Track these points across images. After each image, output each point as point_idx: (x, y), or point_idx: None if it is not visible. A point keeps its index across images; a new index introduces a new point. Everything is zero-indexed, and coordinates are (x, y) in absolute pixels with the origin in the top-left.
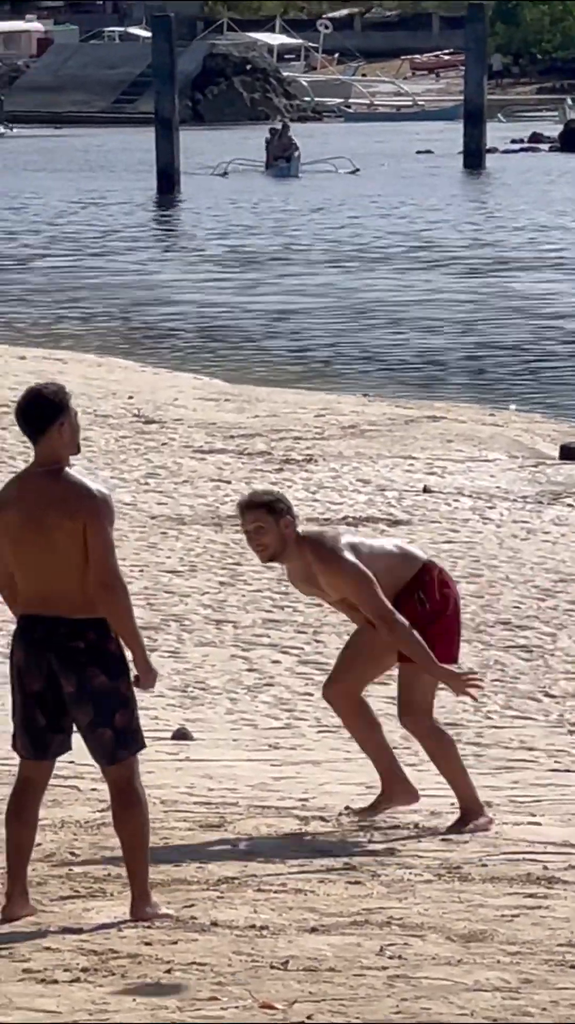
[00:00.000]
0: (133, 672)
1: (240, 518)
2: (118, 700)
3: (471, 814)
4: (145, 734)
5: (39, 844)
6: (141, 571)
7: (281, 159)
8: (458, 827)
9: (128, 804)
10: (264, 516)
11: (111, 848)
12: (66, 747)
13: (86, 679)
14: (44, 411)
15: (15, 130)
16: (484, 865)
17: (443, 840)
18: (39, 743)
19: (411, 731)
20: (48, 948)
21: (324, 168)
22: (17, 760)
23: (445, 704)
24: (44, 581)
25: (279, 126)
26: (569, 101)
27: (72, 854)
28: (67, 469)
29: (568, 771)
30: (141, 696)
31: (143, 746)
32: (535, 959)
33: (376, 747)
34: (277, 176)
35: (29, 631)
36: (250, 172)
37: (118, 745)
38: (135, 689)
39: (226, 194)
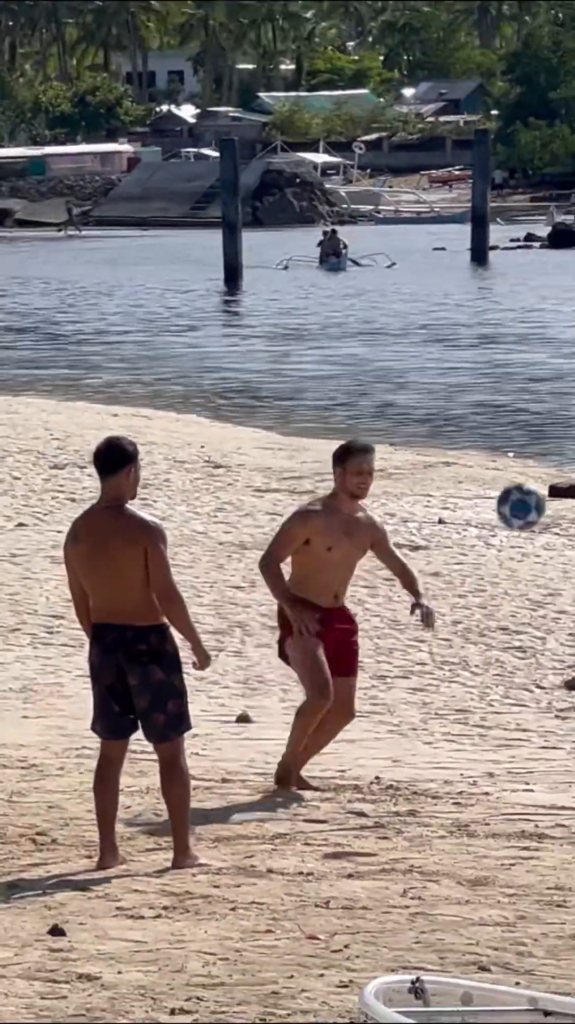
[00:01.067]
0: (190, 661)
1: (359, 457)
2: (172, 691)
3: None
4: (213, 718)
5: (129, 807)
6: (211, 587)
7: (332, 255)
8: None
9: (173, 776)
10: (372, 462)
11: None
12: (135, 728)
13: (147, 674)
14: (118, 456)
15: (83, 231)
16: (487, 824)
17: (455, 803)
18: (114, 726)
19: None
20: (136, 890)
21: (367, 263)
22: (98, 741)
23: (455, 694)
24: (112, 597)
25: (330, 229)
26: (552, 208)
27: (156, 814)
28: (127, 505)
29: (555, 748)
30: (212, 687)
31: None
32: (528, 899)
33: None
34: (329, 270)
35: (102, 637)
36: (306, 266)
37: (168, 727)
38: (195, 671)
39: (282, 285)
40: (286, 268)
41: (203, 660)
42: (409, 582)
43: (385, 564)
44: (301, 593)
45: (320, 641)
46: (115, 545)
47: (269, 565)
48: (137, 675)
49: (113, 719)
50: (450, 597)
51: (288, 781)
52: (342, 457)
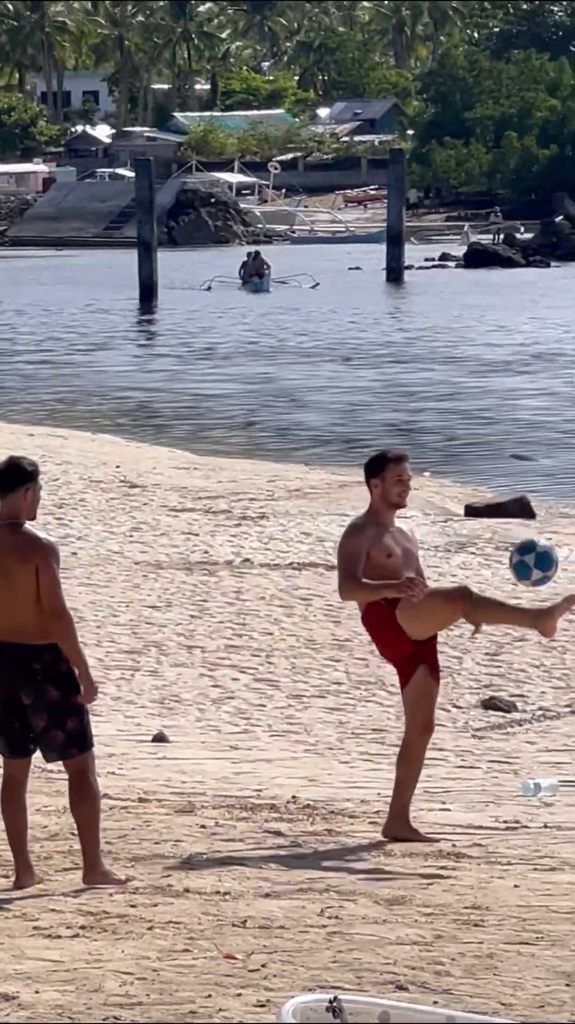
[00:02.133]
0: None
1: (398, 465)
2: (69, 709)
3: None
4: (129, 738)
5: (46, 826)
6: (127, 606)
7: (255, 276)
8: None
9: (81, 793)
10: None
11: (102, 828)
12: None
13: (42, 693)
14: (17, 475)
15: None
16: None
17: (371, 823)
18: (15, 744)
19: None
20: (53, 910)
21: (291, 284)
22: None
23: (372, 713)
24: (7, 615)
25: (254, 251)
26: (466, 228)
27: (72, 833)
28: (24, 524)
29: (472, 767)
30: (128, 706)
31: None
32: (446, 919)
33: None
34: (252, 290)
35: None
36: (230, 287)
37: (69, 745)
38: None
39: (199, 305)
40: (210, 289)
41: (88, 691)
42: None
43: None
44: None
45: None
46: (10, 563)
47: (352, 587)
48: (31, 694)
49: (13, 737)
50: None
51: (403, 833)
52: (379, 468)
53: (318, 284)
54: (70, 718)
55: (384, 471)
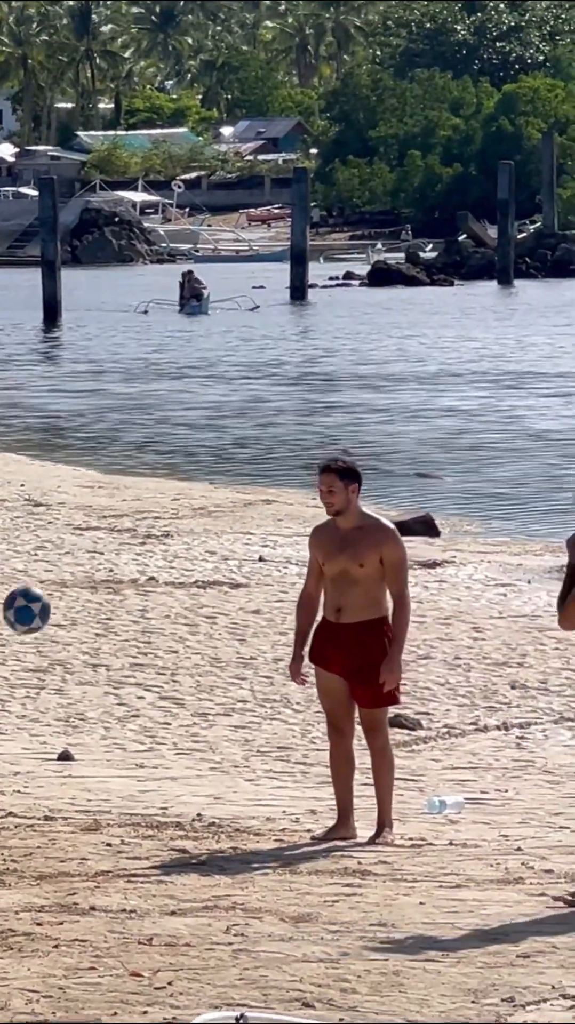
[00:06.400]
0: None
1: (318, 477)
2: None
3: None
4: (35, 756)
5: None
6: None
7: (192, 299)
8: (374, 839)
9: None
10: (335, 480)
11: (5, 846)
12: None
13: None
14: None
15: None
16: (310, 860)
17: (277, 840)
18: None
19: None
20: None
21: (230, 307)
22: None
23: (277, 731)
24: None
25: (187, 271)
26: (379, 245)
27: None
28: None
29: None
30: (34, 724)
31: None
32: (351, 936)
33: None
34: (190, 314)
35: None
36: (168, 310)
37: None
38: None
39: (103, 324)
40: (146, 312)
41: None
42: (398, 622)
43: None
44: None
45: (307, 680)
46: None
47: (298, 600)
48: None
49: None
50: (271, 635)
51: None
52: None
53: (258, 307)
54: None
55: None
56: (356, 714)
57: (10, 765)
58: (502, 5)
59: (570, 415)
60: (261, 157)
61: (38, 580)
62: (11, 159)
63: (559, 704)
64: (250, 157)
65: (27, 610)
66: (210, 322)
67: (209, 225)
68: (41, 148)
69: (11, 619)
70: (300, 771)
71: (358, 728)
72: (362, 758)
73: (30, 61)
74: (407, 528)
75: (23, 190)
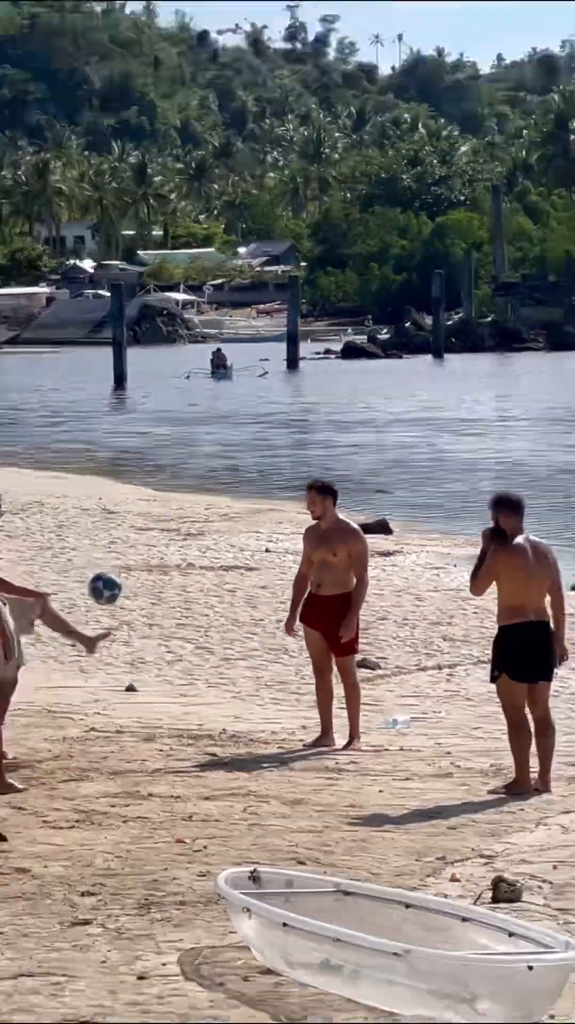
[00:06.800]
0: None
1: (306, 494)
2: None
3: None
4: (109, 688)
5: (50, 748)
6: None
7: (220, 368)
8: (347, 746)
9: None
10: (315, 495)
11: (91, 752)
12: None
13: None
14: None
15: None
16: (302, 760)
17: (278, 746)
18: None
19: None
20: (55, 808)
21: (246, 374)
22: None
23: (279, 671)
24: None
25: (217, 348)
26: (349, 330)
27: (69, 755)
28: None
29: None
30: (108, 667)
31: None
32: (331, 814)
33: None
34: (218, 379)
35: None
36: (203, 377)
37: None
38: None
39: (159, 389)
40: (188, 378)
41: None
42: (356, 596)
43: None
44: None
45: (298, 634)
46: None
47: (294, 580)
48: None
49: None
50: (273, 603)
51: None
52: None
53: (266, 373)
54: None
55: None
56: (333, 660)
57: (92, 695)
58: (435, 160)
59: (482, 447)
60: (266, 268)
61: (111, 565)
62: (91, 270)
63: (477, 651)
64: (258, 268)
65: (108, 586)
66: (232, 385)
67: (230, 316)
68: (112, 262)
69: (99, 591)
70: (295, 699)
71: (335, 669)
72: (338, 689)
73: (104, 202)
74: (369, 528)
75: (100, 292)
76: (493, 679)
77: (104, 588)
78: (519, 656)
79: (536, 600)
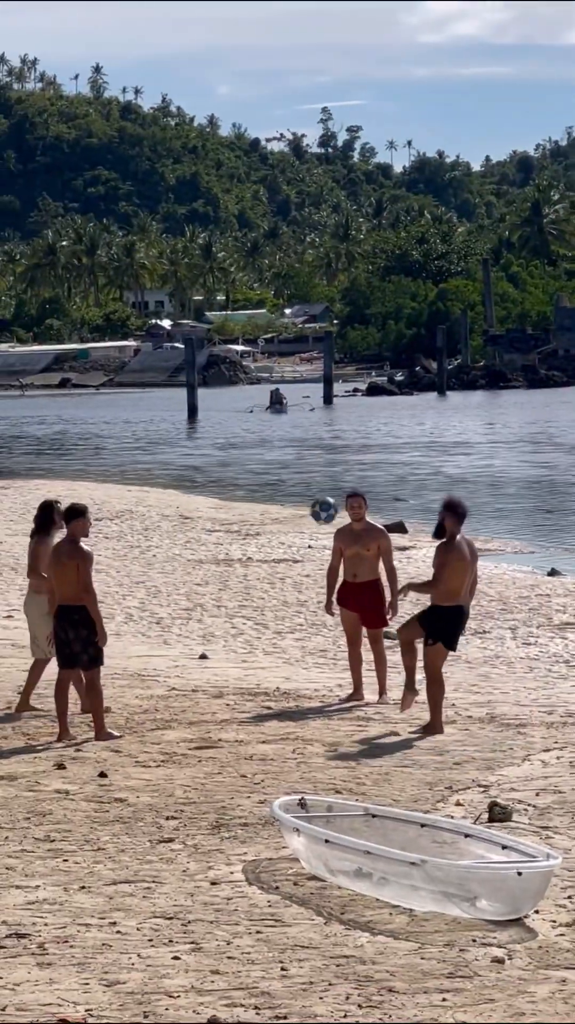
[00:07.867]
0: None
1: (349, 500)
2: (90, 643)
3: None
4: (186, 656)
5: (140, 703)
6: (183, 584)
7: (277, 404)
8: (376, 702)
9: (92, 693)
10: (360, 501)
11: (171, 707)
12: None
13: (78, 633)
14: (74, 513)
15: (27, 392)
16: (340, 711)
17: (320, 701)
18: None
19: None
20: (145, 751)
21: (297, 408)
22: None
23: (320, 641)
24: (63, 588)
25: (275, 388)
26: (372, 373)
27: (155, 709)
28: (79, 540)
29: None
30: (184, 639)
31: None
32: (361, 753)
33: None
34: (274, 413)
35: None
36: (262, 411)
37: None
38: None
39: (226, 420)
40: (251, 411)
41: (103, 637)
42: (391, 581)
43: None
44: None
45: (335, 613)
46: (67, 559)
47: (327, 571)
48: (73, 633)
49: (63, 655)
50: (315, 588)
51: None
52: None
53: (314, 408)
54: (90, 647)
55: (347, 501)
56: (364, 633)
57: (173, 662)
58: (438, 239)
59: (478, 464)
60: (307, 325)
61: (186, 559)
62: (169, 327)
63: (474, 625)
64: (300, 325)
65: (324, 508)
66: (286, 417)
67: (278, 363)
68: (185, 322)
69: (318, 515)
70: (332, 663)
71: (365, 640)
72: (365, 656)
73: (179, 274)
74: (389, 528)
75: (176, 345)
76: (427, 644)
77: (321, 511)
78: (452, 631)
79: (465, 587)
